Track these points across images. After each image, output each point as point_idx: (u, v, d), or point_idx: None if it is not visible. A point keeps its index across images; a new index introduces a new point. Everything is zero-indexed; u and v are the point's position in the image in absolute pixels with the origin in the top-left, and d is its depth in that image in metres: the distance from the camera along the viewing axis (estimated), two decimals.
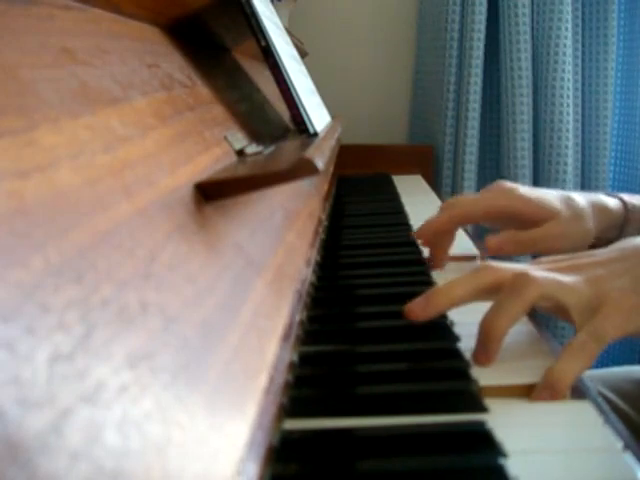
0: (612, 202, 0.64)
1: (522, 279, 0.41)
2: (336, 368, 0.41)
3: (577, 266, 0.44)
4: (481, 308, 0.42)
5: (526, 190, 0.62)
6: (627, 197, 0.66)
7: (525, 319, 0.48)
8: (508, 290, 0.42)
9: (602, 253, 0.46)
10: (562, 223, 0.59)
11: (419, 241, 0.66)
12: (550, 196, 0.62)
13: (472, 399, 0.36)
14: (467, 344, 0.43)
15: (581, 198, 0.63)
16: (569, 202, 0.61)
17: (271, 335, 0.37)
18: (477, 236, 0.80)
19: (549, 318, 1.36)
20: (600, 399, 0.38)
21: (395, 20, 1.58)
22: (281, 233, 0.51)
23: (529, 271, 0.42)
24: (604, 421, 0.35)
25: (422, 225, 0.63)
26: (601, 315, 0.40)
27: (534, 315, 0.49)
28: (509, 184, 0.63)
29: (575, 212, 0.60)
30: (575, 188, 1.39)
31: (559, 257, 0.47)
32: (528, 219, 0.60)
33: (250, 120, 0.61)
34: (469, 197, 0.65)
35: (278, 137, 0.64)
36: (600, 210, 0.62)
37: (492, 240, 0.59)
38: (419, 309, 0.43)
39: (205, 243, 0.34)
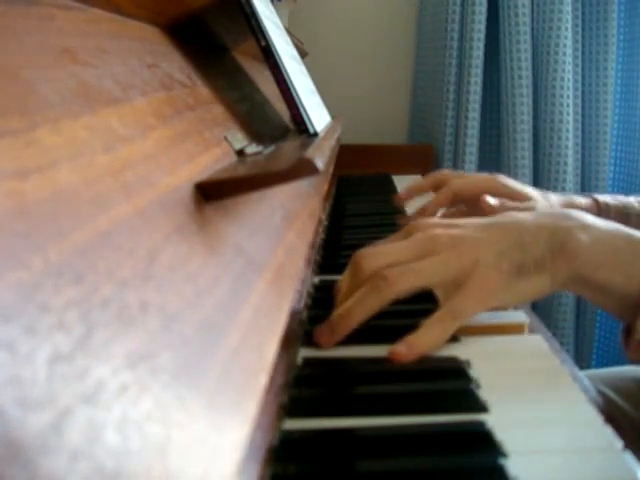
0: (583, 202, 0.69)
1: (382, 281, 0.43)
2: (336, 368, 0.41)
3: (451, 237, 0.46)
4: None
5: (508, 180, 0.70)
6: (602, 197, 0.70)
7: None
8: (369, 287, 0.44)
9: (478, 225, 0.47)
10: (537, 204, 0.64)
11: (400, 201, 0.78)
12: (529, 188, 0.70)
13: (472, 399, 0.36)
14: (467, 344, 0.43)
15: (554, 196, 0.69)
16: (545, 195, 0.69)
17: (271, 335, 0.37)
18: None
19: (549, 318, 1.37)
20: (600, 398, 0.38)
21: (395, 20, 1.58)
22: (281, 233, 0.51)
23: (389, 273, 0.44)
24: (604, 421, 0.35)
25: (426, 204, 0.73)
26: (461, 292, 0.43)
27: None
28: (499, 176, 0.71)
29: (549, 202, 0.67)
30: (575, 188, 1.39)
31: (438, 220, 0.50)
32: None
33: (250, 120, 0.62)
34: (457, 176, 0.73)
35: (278, 137, 0.64)
36: (568, 206, 0.67)
37: (487, 198, 0.64)
38: (325, 338, 0.44)
39: (205, 243, 0.34)
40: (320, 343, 0.44)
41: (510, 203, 0.63)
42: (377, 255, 0.47)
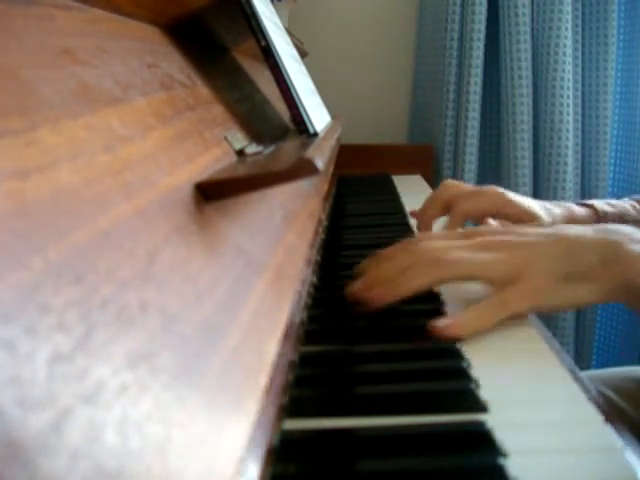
0: (582, 212, 0.71)
1: (446, 259, 0.47)
2: (336, 368, 0.41)
3: (510, 243, 0.50)
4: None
5: (513, 195, 0.70)
6: (598, 204, 0.72)
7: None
8: (429, 261, 0.47)
9: (530, 234, 0.51)
10: (544, 226, 0.65)
11: (416, 223, 0.76)
12: (533, 203, 0.70)
13: (472, 399, 0.36)
14: (468, 344, 0.43)
15: (556, 208, 0.70)
16: (548, 210, 0.69)
17: (271, 335, 0.37)
18: None
19: (549, 318, 1.37)
20: (600, 399, 0.38)
21: (395, 20, 1.58)
22: (281, 233, 0.51)
23: (450, 255, 0.48)
24: (604, 421, 0.35)
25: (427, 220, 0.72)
26: (512, 289, 0.46)
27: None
28: (500, 189, 0.71)
29: (553, 219, 0.68)
30: (575, 188, 1.39)
31: (503, 229, 0.54)
32: (515, 220, 0.67)
33: (250, 120, 0.62)
34: (466, 192, 0.71)
35: (278, 137, 0.64)
36: (570, 221, 0.69)
37: (490, 223, 0.67)
38: (377, 295, 0.47)
39: (205, 243, 0.34)
40: (364, 298, 0.47)
41: (515, 229, 0.64)
42: (437, 239, 0.51)
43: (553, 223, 0.66)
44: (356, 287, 0.49)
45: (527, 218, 0.66)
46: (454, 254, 0.48)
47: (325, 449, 0.33)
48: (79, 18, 0.35)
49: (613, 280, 0.46)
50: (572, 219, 0.68)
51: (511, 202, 0.68)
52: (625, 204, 0.72)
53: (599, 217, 0.70)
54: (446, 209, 0.71)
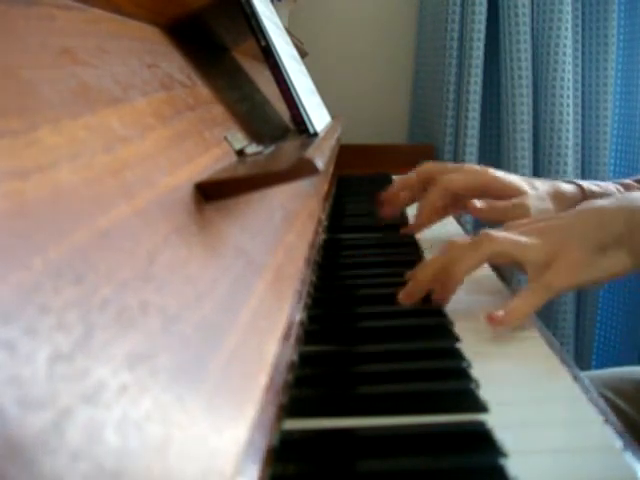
0: (569, 188, 0.71)
1: (482, 237, 0.50)
2: (336, 368, 0.41)
3: (538, 229, 0.52)
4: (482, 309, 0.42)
5: (494, 170, 0.71)
6: (586, 183, 0.72)
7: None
8: (469, 245, 0.50)
9: (561, 217, 0.54)
10: (529, 199, 0.66)
11: (385, 198, 0.77)
12: (517, 178, 0.71)
13: (472, 399, 0.36)
14: (468, 345, 0.43)
15: (541, 183, 0.71)
16: (533, 184, 0.70)
17: (271, 335, 0.37)
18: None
19: (549, 318, 1.37)
20: (600, 399, 0.38)
21: (395, 20, 1.58)
22: (281, 233, 0.51)
23: (490, 231, 0.51)
24: (604, 421, 0.35)
25: (420, 206, 0.72)
26: (551, 270, 0.48)
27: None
28: (479, 166, 0.72)
29: (538, 193, 0.68)
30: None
31: (526, 221, 0.56)
32: (499, 195, 0.67)
33: (250, 120, 0.62)
34: (444, 170, 0.72)
35: (278, 137, 0.64)
36: (556, 195, 0.70)
37: (475, 203, 0.67)
38: (438, 294, 0.50)
39: (205, 243, 0.34)
40: (433, 298, 0.50)
41: (499, 203, 0.65)
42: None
43: (538, 197, 0.67)
44: (402, 294, 0.51)
45: (512, 193, 0.67)
46: (499, 234, 0.50)
47: (325, 449, 0.33)
48: (79, 18, 0.35)
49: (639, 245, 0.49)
50: (558, 194, 0.69)
51: (495, 177, 0.68)
52: (610, 186, 0.73)
53: (585, 195, 0.70)
54: (424, 183, 0.71)
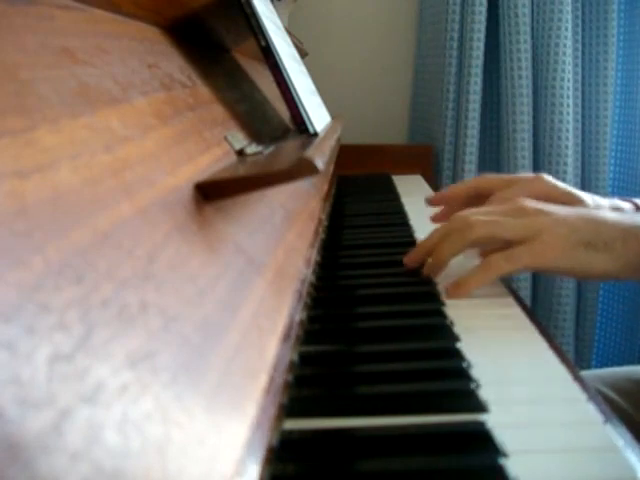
0: (626, 206, 0.69)
1: (465, 223, 0.52)
2: (336, 368, 0.41)
3: (532, 211, 0.53)
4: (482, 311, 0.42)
5: (552, 179, 0.69)
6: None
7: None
8: (454, 230, 0.53)
9: (562, 207, 0.54)
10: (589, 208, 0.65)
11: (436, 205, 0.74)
12: (574, 189, 0.69)
13: (472, 399, 0.36)
14: (468, 344, 0.43)
15: (598, 197, 0.69)
16: (592, 196, 0.68)
17: (271, 335, 0.37)
18: None
19: (549, 318, 1.37)
20: (600, 398, 0.38)
21: (395, 20, 1.58)
22: (281, 233, 0.51)
23: (473, 218, 0.52)
24: (604, 421, 0.35)
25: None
26: (523, 245, 0.49)
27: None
28: (545, 175, 0.69)
29: (597, 202, 0.67)
30: (575, 188, 1.38)
31: (530, 199, 0.56)
32: (560, 203, 0.65)
33: (250, 120, 0.61)
34: (501, 181, 0.67)
35: (278, 137, 0.64)
36: (614, 208, 0.67)
37: None
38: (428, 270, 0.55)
39: (205, 243, 0.34)
40: (412, 265, 0.56)
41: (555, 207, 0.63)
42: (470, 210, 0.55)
43: (597, 207, 0.63)
44: (406, 258, 0.58)
45: (571, 201, 0.63)
46: (478, 218, 0.52)
47: (325, 449, 0.33)
48: (79, 18, 0.35)
49: (630, 255, 0.48)
50: (615, 208, 0.66)
51: (556, 186, 0.65)
52: None
53: (638, 209, 0.68)
54: (479, 195, 0.66)
